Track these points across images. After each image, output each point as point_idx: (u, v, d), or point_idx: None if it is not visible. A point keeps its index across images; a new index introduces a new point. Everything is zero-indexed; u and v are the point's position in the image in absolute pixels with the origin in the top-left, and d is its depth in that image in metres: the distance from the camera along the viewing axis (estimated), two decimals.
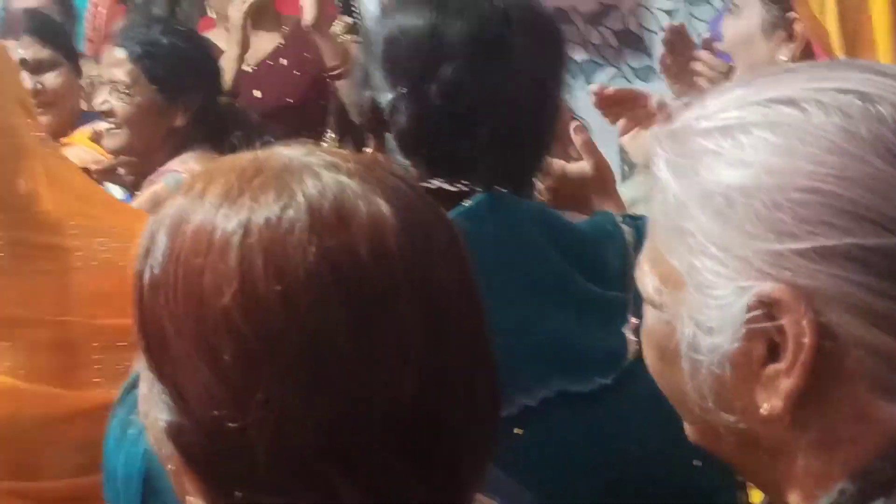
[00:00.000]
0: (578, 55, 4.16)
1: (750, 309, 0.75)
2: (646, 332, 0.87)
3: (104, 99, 2.52)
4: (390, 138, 1.38)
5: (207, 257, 0.76)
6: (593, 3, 4.19)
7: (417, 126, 1.35)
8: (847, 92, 0.76)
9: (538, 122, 1.38)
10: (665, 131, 0.83)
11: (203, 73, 2.66)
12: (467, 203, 1.31)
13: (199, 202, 0.80)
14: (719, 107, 0.81)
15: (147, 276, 0.80)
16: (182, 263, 0.78)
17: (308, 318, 0.75)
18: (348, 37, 3.23)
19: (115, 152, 2.55)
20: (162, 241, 0.80)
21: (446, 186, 1.32)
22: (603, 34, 4.17)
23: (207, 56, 2.71)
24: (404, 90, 1.35)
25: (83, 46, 3.83)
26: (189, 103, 2.56)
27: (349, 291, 0.76)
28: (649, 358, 0.87)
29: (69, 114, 3.14)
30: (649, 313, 0.85)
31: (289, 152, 0.84)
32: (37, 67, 2.97)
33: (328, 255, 0.76)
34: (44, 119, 2.52)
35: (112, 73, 2.53)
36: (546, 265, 1.33)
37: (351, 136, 3.15)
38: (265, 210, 0.77)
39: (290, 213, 0.77)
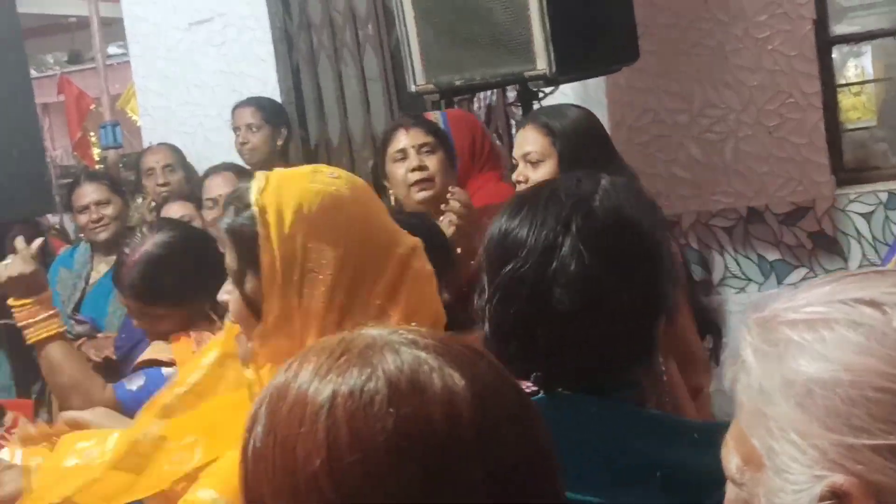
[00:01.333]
0: (771, 255, 4.30)
1: (822, 498, 0.78)
2: None
3: None
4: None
5: (300, 429, 0.85)
6: (787, 204, 4.27)
7: (495, 325, 1.44)
8: None
9: (595, 332, 1.39)
10: (755, 318, 0.88)
11: None
12: None
13: (294, 381, 0.89)
14: (807, 301, 0.85)
15: (251, 448, 0.90)
16: (279, 437, 0.87)
17: (387, 481, 0.83)
18: None
19: None
20: (262, 417, 0.90)
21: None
22: (797, 235, 4.26)
23: None
24: (488, 288, 1.46)
25: None
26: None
27: (423, 456, 0.84)
28: None
29: None
30: (730, 490, 0.89)
31: (374, 332, 0.93)
32: None
33: (404, 423, 0.84)
34: None
35: None
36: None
37: None
38: (348, 385, 0.86)
39: (371, 385, 0.85)
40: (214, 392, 1.88)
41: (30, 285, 2.86)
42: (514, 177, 2.93)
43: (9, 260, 2.90)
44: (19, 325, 2.93)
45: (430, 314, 1.70)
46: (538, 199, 1.48)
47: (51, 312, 2.86)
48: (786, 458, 0.81)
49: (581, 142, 2.89)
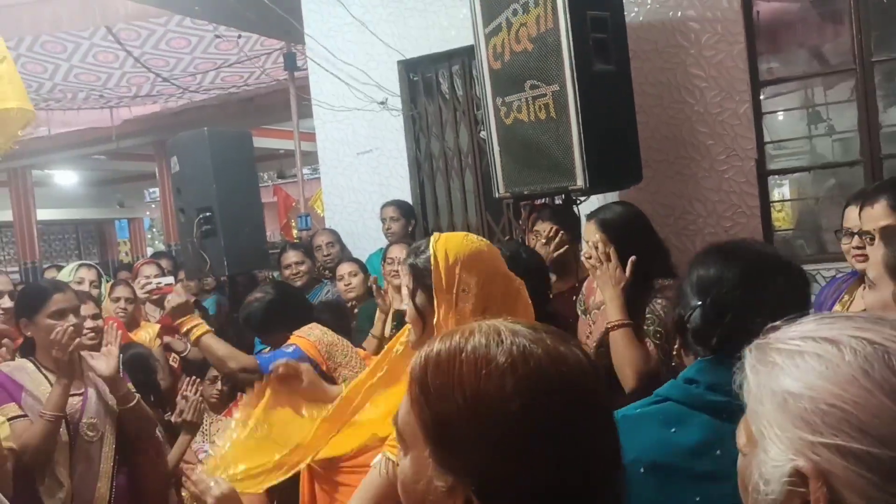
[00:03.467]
0: None
1: (790, 475, 0.75)
2: (738, 469, 0.86)
3: None
4: (688, 335, 1.44)
5: (489, 383, 0.81)
6: None
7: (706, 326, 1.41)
8: (874, 343, 0.76)
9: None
10: (755, 343, 0.84)
11: None
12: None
13: (463, 349, 0.84)
14: (791, 335, 0.82)
15: (433, 401, 0.84)
16: (468, 390, 0.82)
17: (560, 413, 0.81)
18: None
19: None
20: (435, 377, 0.84)
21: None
22: None
23: None
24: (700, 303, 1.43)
25: None
26: None
27: (580, 399, 0.83)
28: (740, 487, 0.87)
29: None
30: (740, 457, 0.85)
31: (506, 322, 0.89)
32: None
33: (566, 376, 0.83)
34: None
35: None
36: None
37: None
38: (520, 350, 0.83)
39: (537, 351, 0.83)
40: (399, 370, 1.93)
41: (183, 309, 3.02)
42: (583, 255, 2.71)
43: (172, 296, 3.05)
44: (182, 331, 3.06)
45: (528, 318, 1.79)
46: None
47: (198, 322, 3.02)
48: (769, 442, 0.77)
49: (628, 229, 2.67)
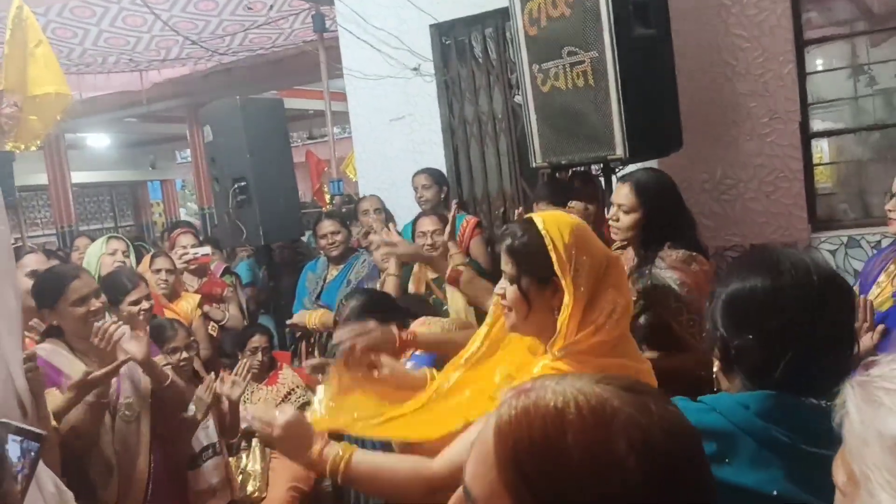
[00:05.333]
0: None
1: None
2: None
3: None
4: (738, 366, 1.27)
5: (607, 446, 0.72)
6: (779, 243, 4.04)
7: (764, 362, 1.23)
8: None
9: (839, 354, 1.24)
10: (857, 380, 0.81)
11: None
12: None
13: (567, 412, 0.75)
14: None
15: (538, 454, 0.74)
16: (581, 454, 0.72)
17: (673, 463, 0.73)
18: None
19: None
20: (537, 442, 0.74)
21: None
22: None
23: None
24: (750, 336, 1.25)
25: None
26: None
27: (698, 473, 0.76)
28: None
29: None
30: (837, 496, 0.82)
31: (588, 386, 0.79)
32: None
33: (672, 432, 0.75)
34: None
35: None
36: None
37: None
38: (629, 413, 0.74)
39: (653, 428, 0.74)
40: (495, 351, 1.90)
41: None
42: (610, 215, 2.73)
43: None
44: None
45: (628, 292, 1.76)
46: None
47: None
48: (876, 485, 0.74)
49: (660, 196, 2.67)
